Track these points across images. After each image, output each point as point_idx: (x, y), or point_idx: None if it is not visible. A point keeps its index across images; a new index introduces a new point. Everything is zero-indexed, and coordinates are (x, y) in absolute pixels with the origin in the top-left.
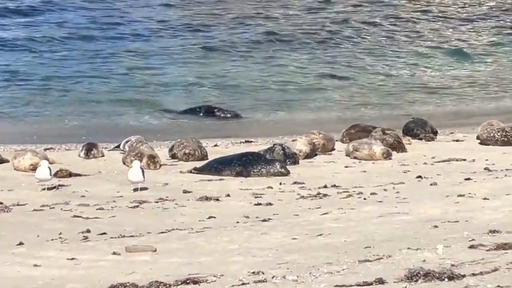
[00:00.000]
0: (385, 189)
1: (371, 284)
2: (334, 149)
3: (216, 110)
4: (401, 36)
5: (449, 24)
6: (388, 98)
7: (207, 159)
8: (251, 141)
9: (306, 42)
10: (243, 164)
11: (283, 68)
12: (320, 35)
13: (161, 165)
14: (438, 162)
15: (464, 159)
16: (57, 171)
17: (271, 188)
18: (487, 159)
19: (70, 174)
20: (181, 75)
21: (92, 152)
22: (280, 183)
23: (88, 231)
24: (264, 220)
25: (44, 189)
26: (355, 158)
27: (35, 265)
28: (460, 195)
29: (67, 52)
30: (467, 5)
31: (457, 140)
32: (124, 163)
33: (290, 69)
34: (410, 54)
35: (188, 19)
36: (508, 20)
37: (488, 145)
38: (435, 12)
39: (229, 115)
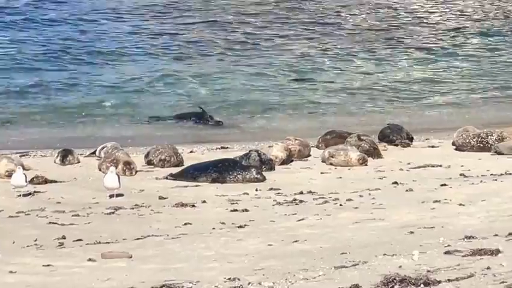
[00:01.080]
0: (361, 196)
1: None
2: (310, 155)
3: (197, 116)
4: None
5: (420, 28)
6: (364, 103)
7: (183, 165)
8: (227, 148)
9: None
10: (219, 170)
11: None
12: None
13: (137, 171)
14: (414, 168)
15: (440, 165)
16: (33, 178)
17: (247, 194)
18: (462, 165)
19: (46, 181)
20: (158, 79)
21: (68, 159)
22: (256, 190)
23: (64, 237)
24: (240, 226)
25: (19, 195)
26: (331, 164)
27: (11, 272)
28: (436, 201)
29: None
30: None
31: (433, 146)
32: (100, 169)
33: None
34: (383, 57)
35: (162, 25)
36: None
37: (463, 151)
38: (404, 15)
39: (210, 122)
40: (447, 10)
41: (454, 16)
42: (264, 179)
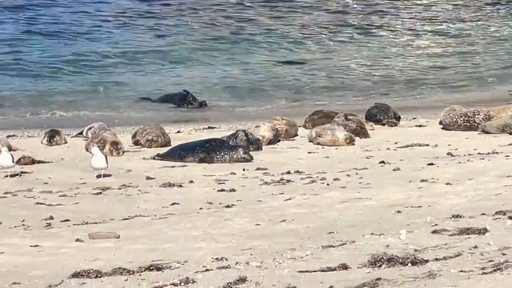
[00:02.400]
0: (348, 175)
1: (334, 269)
2: (297, 135)
3: (184, 98)
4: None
5: (407, 11)
6: (351, 85)
7: (170, 145)
8: (214, 127)
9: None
10: (206, 150)
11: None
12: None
13: (124, 151)
14: (401, 147)
15: (427, 145)
16: (20, 158)
17: (234, 174)
18: (449, 144)
19: (33, 161)
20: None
21: (55, 139)
22: (244, 169)
23: (51, 218)
24: (227, 206)
25: (6, 176)
26: (318, 143)
27: None
28: (423, 181)
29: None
30: None
31: (420, 126)
32: (87, 150)
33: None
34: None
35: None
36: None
37: (450, 130)
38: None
39: (195, 103)
40: None
41: None
42: (251, 159)
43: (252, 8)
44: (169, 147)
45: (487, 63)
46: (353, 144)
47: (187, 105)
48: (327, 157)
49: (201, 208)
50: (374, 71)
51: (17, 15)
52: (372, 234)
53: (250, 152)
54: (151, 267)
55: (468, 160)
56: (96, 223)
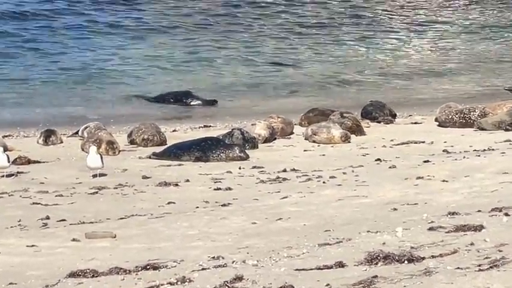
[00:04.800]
0: (344, 173)
1: (331, 267)
2: (293, 133)
3: (184, 97)
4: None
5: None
6: (346, 83)
7: (166, 144)
8: (210, 126)
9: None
10: (202, 149)
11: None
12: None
13: (120, 151)
14: (397, 145)
15: (423, 142)
16: (16, 158)
17: (230, 172)
18: (445, 141)
19: (29, 161)
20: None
21: (51, 139)
22: (240, 168)
23: (48, 218)
24: (224, 205)
25: (2, 176)
26: (314, 141)
27: None
28: (419, 178)
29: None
30: None
31: (416, 123)
32: (83, 149)
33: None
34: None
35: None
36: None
37: (446, 127)
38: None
39: (200, 101)
40: None
41: None
42: (247, 157)
43: (240, 7)
44: (165, 146)
45: (479, 57)
46: (349, 142)
47: (191, 103)
48: (323, 155)
49: (197, 207)
50: (369, 68)
51: None
52: (368, 231)
53: (246, 151)
54: (148, 267)
55: (464, 157)
56: (92, 223)
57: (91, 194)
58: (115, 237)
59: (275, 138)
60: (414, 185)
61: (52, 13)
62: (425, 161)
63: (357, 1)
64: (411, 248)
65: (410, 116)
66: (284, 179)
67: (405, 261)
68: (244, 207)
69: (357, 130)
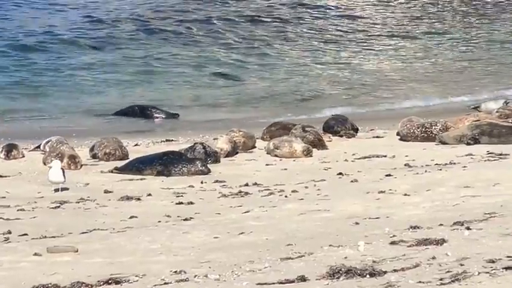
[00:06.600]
0: (306, 187)
1: (293, 281)
2: (255, 147)
3: (146, 110)
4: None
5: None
6: (308, 96)
7: (128, 158)
8: (172, 140)
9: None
10: (164, 163)
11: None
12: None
13: (82, 165)
14: (359, 158)
15: (385, 156)
16: None
17: (192, 186)
18: (407, 155)
19: None
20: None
21: (13, 153)
22: (202, 182)
23: (9, 232)
24: (186, 219)
25: None
26: (276, 155)
27: None
28: (381, 192)
29: None
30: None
31: (377, 137)
32: (45, 163)
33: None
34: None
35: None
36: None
37: (408, 141)
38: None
39: (163, 115)
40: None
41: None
42: (209, 172)
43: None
44: (127, 160)
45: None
46: (311, 156)
47: (153, 116)
48: (285, 169)
49: (159, 221)
50: (330, 81)
51: None
52: (330, 246)
53: (208, 165)
54: (110, 281)
55: (426, 171)
56: (54, 237)
57: (53, 208)
58: (77, 251)
59: (237, 153)
60: (376, 199)
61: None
62: (387, 175)
63: (310, 12)
64: (373, 262)
65: (371, 130)
66: (246, 193)
67: (367, 276)
68: (206, 221)
69: (319, 144)
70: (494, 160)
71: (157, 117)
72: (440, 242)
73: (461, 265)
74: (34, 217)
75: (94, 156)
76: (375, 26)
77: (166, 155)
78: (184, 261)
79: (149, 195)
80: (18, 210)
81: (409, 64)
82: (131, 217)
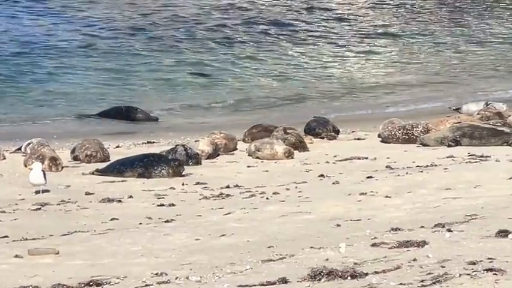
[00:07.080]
0: (287, 189)
1: (274, 283)
2: (236, 149)
3: (127, 112)
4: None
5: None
6: (289, 98)
7: (109, 160)
8: (153, 142)
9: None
10: (145, 165)
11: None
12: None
13: (63, 167)
14: (341, 160)
15: (366, 158)
16: None
17: (173, 188)
18: (388, 157)
19: None
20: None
21: None
22: (183, 184)
23: None
24: (167, 221)
25: None
26: (257, 157)
27: None
28: (362, 194)
29: None
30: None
31: (359, 139)
32: (26, 166)
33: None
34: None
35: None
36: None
37: (389, 143)
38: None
39: (142, 116)
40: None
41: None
42: (181, 173)
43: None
44: (108, 162)
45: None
46: (292, 158)
47: (132, 119)
48: (267, 171)
49: (140, 223)
50: (311, 83)
51: None
52: (311, 247)
53: (189, 167)
54: (91, 283)
55: (407, 173)
56: (35, 239)
57: (33, 210)
58: (58, 253)
59: (218, 155)
60: (357, 201)
61: None
62: (368, 177)
63: (294, 14)
64: (355, 264)
65: (353, 132)
66: (227, 195)
67: (349, 277)
68: (188, 223)
69: (301, 146)
70: (475, 162)
71: (138, 119)
72: (421, 244)
73: (442, 267)
74: (15, 219)
75: (75, 158)
76: (356, 26)
77: (147, 157)
78: (165, 263)
79: (131, 197)
80: None
81: (393, 66)
82: (112, 219)
